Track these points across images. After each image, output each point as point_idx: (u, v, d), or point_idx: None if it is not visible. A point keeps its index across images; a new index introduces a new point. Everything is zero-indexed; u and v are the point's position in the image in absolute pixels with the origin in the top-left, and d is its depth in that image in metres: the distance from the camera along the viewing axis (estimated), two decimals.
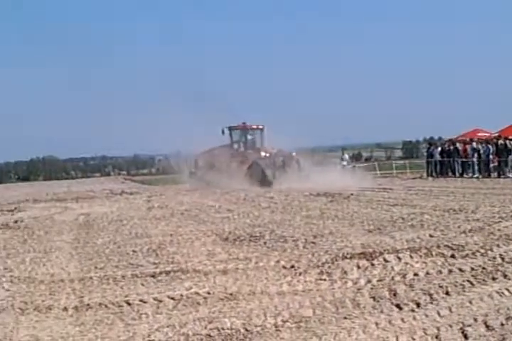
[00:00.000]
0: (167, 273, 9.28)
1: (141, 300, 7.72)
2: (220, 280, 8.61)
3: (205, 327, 6.41)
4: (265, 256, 10.27)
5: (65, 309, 7.59)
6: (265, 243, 11.66)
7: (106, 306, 7.61)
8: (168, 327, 6.55)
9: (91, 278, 9.31)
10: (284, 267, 9.24)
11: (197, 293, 7.87)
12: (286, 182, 31.05)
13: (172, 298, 7.74)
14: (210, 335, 6.17)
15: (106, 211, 21.33)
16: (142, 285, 8.66)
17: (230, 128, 35.57)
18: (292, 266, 9.21)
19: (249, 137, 35.64)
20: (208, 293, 7.85)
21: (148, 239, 13.03)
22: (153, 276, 9.13)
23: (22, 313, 7.55)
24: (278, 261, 9.67)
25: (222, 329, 6.31)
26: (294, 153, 34.30)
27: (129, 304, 7.62)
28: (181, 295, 7.81)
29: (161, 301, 7.66)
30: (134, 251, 11.56)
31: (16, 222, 18.42)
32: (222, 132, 35.08)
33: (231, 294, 7.77)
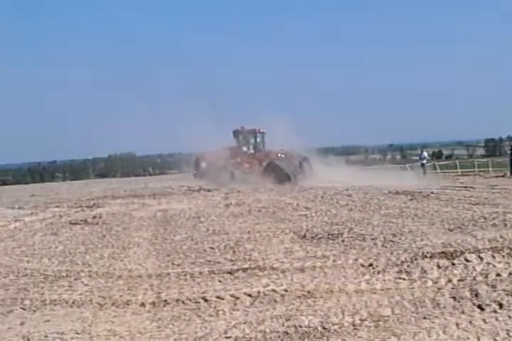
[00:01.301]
0: (244, 270, 9.36)
1: (218, 297, 7.82)
2: (298, 277, 8.64)
3: (283, 325, 6.46)
4: (343, 254, 10.25)
5: (143, 304, 7.74)
6: (343, 241, 11.62)
7: (183, 302, 7.74)
8: (245, 323, 6.62)
9: (168, 274, 9.46)
10: (362, 265, 9.21)
11: (274, 291, 7.92)
12: (303, 180, 33.46)
13: (249, 295, 7.81)
14: (287, 333, 6.21)
15: (184, 207, 21.56)
16: (219, 281, 8.76)
17: (239, 131, 37.18)
18: (371, 265, 9.17)
19: (258, 140, 37.26)
20: (285, 291, 7.89)
21: (226, 236, 13.14)
22: (230, 273, 9.22)
23: (100, 308, 7.74)
24: (356, 260, 9.64)
25: (300, 326, 6.34)
26: (305, 155, 36.66)
27: (206, 300, 7.73)
28: (258, 292, 7.87)
29: (238, 298, 7.74)
30: (211, 248, 11.68)
31: (94, 217, 18.80)
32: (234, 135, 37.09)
33: (308, 292, 7.80)
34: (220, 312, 7.20)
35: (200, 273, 9.40)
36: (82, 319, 7.27)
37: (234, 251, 11.20)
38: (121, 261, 10.97)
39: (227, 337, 6.23)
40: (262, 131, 37.03)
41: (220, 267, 9.75)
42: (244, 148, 36.65)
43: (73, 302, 8.03)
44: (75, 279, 9.51)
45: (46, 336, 6.61)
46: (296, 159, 36.12)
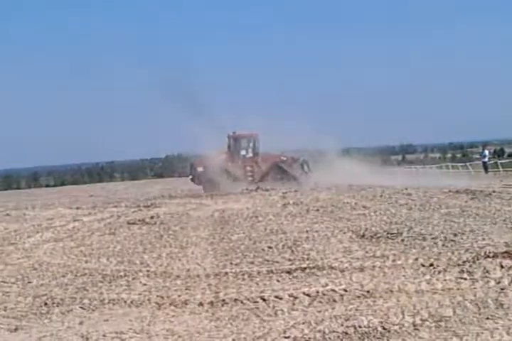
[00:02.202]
0: (303, 269, 9.35)
1: (276, 297, 7.82)
2: (357, 277, 8.60)
3: (342, 325, 6.43)
4: (403, 253, 10.16)
5: (201, 304, 7.79)
6: (403, 240, 11.52)
7: (241, 302, 7.75)
8: (303, 323, 6.61)
9: (226, 273, 9.50)
10: (422, 265, 9.11)
11: (333, 290, 7.89)
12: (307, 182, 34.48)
13: (308, 295, 7.79)
14: (346, 333, 6.17)
15: (241, 207, 21.61)
16: (278, 281, 8.76)
17: (236, 135, 37.64)
18: (431, 265, 9.07)
19: (256, 143, 37.68)
20: (345, 291, 7.85)
21: (284, 236, 13.13)
22: (288, 273, 9.21)
23: (158, 308, 7.81)
24: (416, 259, 9.54)
25: (359, 327, 6.31)
26: (302, 157, 37.68)
27: (264, 300, 7.73)
28: (317, 292, 7.85)
29: (296, 298, 7.73)
30: (269, 248, 11.68)
31: (152, 217, 18.96)
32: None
33: (368, 292, 7.75)
34: (279, 312, 7.20)
35: (259, 272, 9.42)
36: (140, 318, 7.34)
37: (292, 251, 11.18)
38: (179, 260, 11.05)
39: (285, 337, 6.22)
40: (257, 134, 37.79)
41: (279, 266, 9.75)
42: (243, 152, 37.23)
43: (131, 302, 8.12)
44: (133, 279, 9.62)
45: (105, 335, 6.69)
46: (297, 161, 37.32)
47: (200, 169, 35.73)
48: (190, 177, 36.83)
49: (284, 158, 37.19)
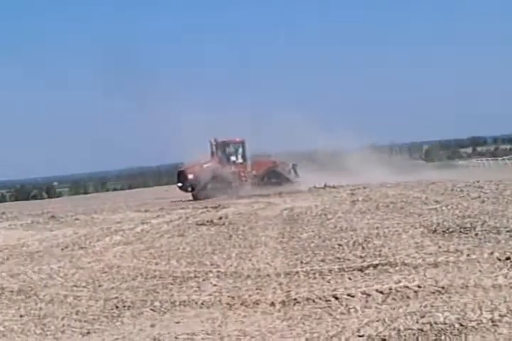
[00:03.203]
0: (374, 266, 9.26)
1: (349, 295, 7.75)
2: (431, 273, 8.47)
3: (417, 322, 6.32)
4: (477, 248, 9.98)
5: (272, 304, 7.76)
6: (476, 234, 11.32)
7: (313, 301, 7.71)
8: (377, 321, 6.53)
9: (297, 272, 9.46)
10: (498, 259, 8.93)
11: (406, 287, 7.78)
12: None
13: (381, 292, 7.70)
14: (422, 330, 6.07)
15: (310, 205, 21.57)
16: (349, 279, 8.69)
17: (225, 142, 37.95)
18: (508, 258, 8.88)
19: (245, 149, 38.12)
20: (418, 287, 7.74)
21: (354, 233, 13.04)
22: (360, 270, 9.14)
23: (230, 308, 7.81)
24: (492, 253, 9.36)
25: (435, 323, 6.19)
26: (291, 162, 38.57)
27: (336, 298, 7.67)
28: (390, 289, 7.76)
29: (369, 295, 7.65)
30: (339, 245, 11.61)
31: (220, 218, 19.05)
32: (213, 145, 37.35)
33: (443, 287, 7.62)
34: (352, 310, 7.13)
35: (330, 270, 9.36)
36: (212, 319, 7.35)
37: (363, 248, 11.10)
38: (249, 260, 11.05)
39: (359, 336, 6.15)
40: (244, 140, 38.12)
41: (350, 264, 9.68)
42: (233, 158, 37.65)
43: (202, 303, 8.14)
44: (204, 280, 9.65)
45: (177, 337, 6.72)
46: (288, 165, 38.19)
47: (191, 176, 35.87)
48: (180, 184, 36.85)
49: (277, 163, 37.97)
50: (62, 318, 7.99)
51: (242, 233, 15.08)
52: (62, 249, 14.84)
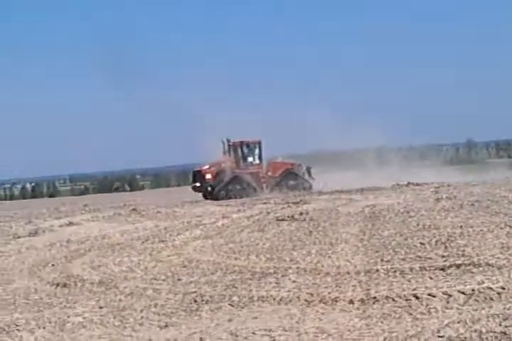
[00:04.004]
0: (457, 266, 9.14)
1: (429, 294, 7.67)
2: None
3: (500, 324, 6.22)
4: None
5: (351, 301, 7.74)
6: None
7: (393, 299, 7.65)
8: (459, 322, 6.44)
9: (377, 270, 9.41)
10: None
11: (490, 288, 7.65)
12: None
13: (463, 293, 7.60)
14: (505, 333, 5.96)
15: (392, 202, 21.40)
16: (430, 278, 8.60)
17: (243, 143, 37.31)
18: None
19: (261, 150, 37.46)
20: (502, 288, 7.60)
21: (437, 231, 12.88)
22: (442, 269, 9.03)
23: (308, 305, 7.82)
24: None
25: None
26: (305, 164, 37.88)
27: (417, 298, 7.60)
28: (473, 290, 7.64)
29: (450, 295, 7.55)
30: (421, 244, 11.49)
31: (301, 214, 19.03)
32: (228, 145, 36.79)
33: None
34: (432, 310, 7.06)
35: (411, 269, 9.28)
36: (289, 316, 7.37)
37: (446, 247, 10.95)
38: (329, 257, 11.03)
39: (439, 337, 6.08)
40: (261, 140, 37.53)
41: (432, 263, 9.57)
42: (250, 159, 37.07)
43: (281, 299, 8.16)
44: (283, 276, 9.68)
45: (254, 333, 6.76)
46: (302, 167, 37.50)
47: (208, 176, 35.56)
48: (198, 185, 36.24)
49: (294, 164, 37.49)
50: (141, 311, 8.13)
51: (323, 229, 15.06)
52: (143, 242, 15.09)
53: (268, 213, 20.83)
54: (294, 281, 9.22)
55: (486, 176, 35.28)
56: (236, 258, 11.68)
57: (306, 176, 37.08)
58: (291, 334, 6.62)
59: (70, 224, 21.08)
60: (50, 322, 7.85)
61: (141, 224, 19.95)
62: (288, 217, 18.42)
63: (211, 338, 6.70)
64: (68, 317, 8.08)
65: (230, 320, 7.39)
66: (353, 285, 8.58)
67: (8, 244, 16.77)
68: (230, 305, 8.14)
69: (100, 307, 8.52)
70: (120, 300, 8.91)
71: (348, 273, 9.47)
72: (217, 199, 33.51)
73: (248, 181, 35.45)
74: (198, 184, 36.04)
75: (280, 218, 18.37)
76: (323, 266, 10.25)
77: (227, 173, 35.51)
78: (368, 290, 8.21)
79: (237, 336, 6.69)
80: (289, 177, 36.46)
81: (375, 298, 7.79)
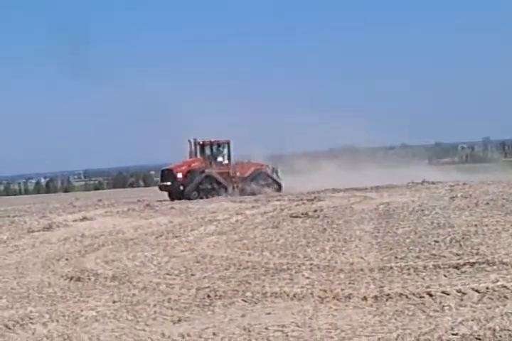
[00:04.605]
0: (471, 264, 9.13)
1: (443, 292, 7.68)
2: None
3: None
4: None
5: (365, 298, 7.75)
6: None
7: (406, 297, 7.67)
8: (472, 320, 6.45)
9: (391, 268, 9.41)
10: None
11: (504, 287, 7.66)
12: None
13: (477, 291, 7.60)
14: None
15: (406, 200, 21.32)
16: (445, 276, 8.60)
17: (212, 142, 36.83)
18: None
19: (230, 150, 37.12)
20: None
21: (451, 230, 12.85)
22: (456, 268, 9.02)
23: (321, 301, 7.84)
24: None
25: None
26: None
27: (430, 295, 7.61)
28: (487, 288, 7.64)
29: (464, 293, 7.56)
30: (436, 242, 11.48)
31: (315, 211, 19.02)
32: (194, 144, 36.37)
33: None
34: (446, 308, 7.06)
35: (425, 267, 9.28)
36: (302, 312, 7.40)
37: (460, 245, 10.93)
38: (343, 254, 11.04)
39: (453, 334, 6.08)
40: (230, 140, 37.21)
41: (446, 261, 9.57)
42: (220, 159, 36.61)
43: (294, 295, 8.19)
44: (296, 272, 9.70)
45: (267, 328, 6.79)
46: (269, 168, 37.50)
47: (180, 176, 34.90)
48: (167, 184, 35.48)
49: (263, 165, 37.38)
50: (154, 305, 8.17)
51: (337, 226, 15.05)
52: (157, 237, 15.14)
53: (282, 210, 20.82)
54: (308, 277, 9.24)
55: (502, 175, 35.19)
56: (250, 254, 11.71)
57: (275, 176, 37.04)
58: (304, 330, 6.65)
59: (84, 218, 21.14)
60: (63, 316, 7.92)
61: (155, 220, 20.00)
62: (302, 213, 18.40)
63: (224, 333, 6.73)
64: (81, 311, 8.14)
65: (243, 316, 7.42)
66: (366, 282, 8.60)
67: (22, 238, 16.86)
68: (243, 300, 8.17)
69: (113, 302, 8.58)
70: (133, 294, 8.96)
71: (361, 270, 9.48)
72: (188, 198, 32.84)
73: (219, 181, 35.07)
74: (168, 183, 35.26)
75: (294, 215, 18.35)
76: (336, 262, 10.27)
77: (199, 173, 35.03)
78: (382, 287, 8.22)
79: (250, 331, 6.72)
80: (259, 178, 36.32)
81: (388, 295, 7.81)
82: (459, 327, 6.25)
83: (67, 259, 12.64)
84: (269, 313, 7.47)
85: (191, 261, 11.47)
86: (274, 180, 36.58)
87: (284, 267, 10.16)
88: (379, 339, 6.15)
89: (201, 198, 32.69)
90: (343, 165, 40.78)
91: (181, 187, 34.58)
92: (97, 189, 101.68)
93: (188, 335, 6.77)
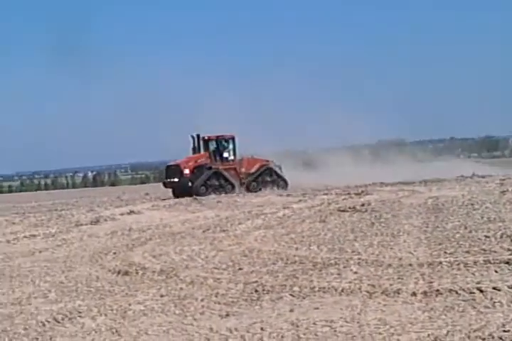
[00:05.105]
0: None
1: (494, 288, 7.60)
2: None
3: None
4: None
5: (414, 294, 7.71)
6: None
7: (456, 292, 7.60)
8: None
9: (440, 263, 9.34)
10: None
11: None
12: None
13: None
14: None
15: (456, 194, 21.12)
16: (496, 272, 8.51)
17: (217, 137, 35.96)
18: None
19: (235, 146, 36.37)
20: None
21: (502, 224, 12.70)
22: (507, 263, 8.93)
23: (370, 296, 7.82)
24: None
25: None
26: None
27: (481, 291, 7.53)
28: None
29: None
30: (486, 237, 11.35)
31: (363, 205, 18.96)
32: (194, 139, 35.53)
33: None
34: (497, 304, 6.99)
35: (475, 262, 9.19)
36: (351, 307, 7.38)
37: (511, 240, 10.81)
38: (391, 249, 10.99)
39: (504, 331, 6.02)
40: (234, 136, 36.50)
41: (497, 256, 9.46)
42: (226, 154, 35.65)
43: (342, 290, 8.17)
44: (344, 267, 9.68)
45: (315, 323, 6.79)
46: (275, 164, 36.62)
47: (187, 172, 34.14)
48: (174, 180, 34.67)
49: (269, 161, 36.62)
50: (202, 300, 8.22)
51: (385, 221, 14.99)
52: (204, 231, 15.23)
53: (329, 204, 20.78)
54: (356, 272, 9.22)
55: None
56: (297, 249, 11.72)
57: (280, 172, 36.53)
58: (353, 325, 6.64)
59: (131, 212, 21.36)
60: (111, 310, 8.02)
61: (202, 214, 20.13)
62: (350, 207, 18.36)
63: (272, 328, 6.74)
64: (129, 305, 8.23)
65: (291, 311, 7.42)
66: (415, 278, 8.54)
67: (70, 232, 17.10)
68: (291, 295, 8.17)
69: (161, 296, 8.65)
70: (181, 288, 9.03)
71: (410, 265, 9.43)
72: (197, 194, 31.98)
73: (227, 178, 34.46)
74: (176, 179, 34.50)
75: (342, 209, 18.31)
76: (385, 257, 10.22)
77: (204, 169, 34.36)
78: (431, 282, 8.17)
79: (298, 326, 6.72)
80: (265, 173, 35.81)
81: (438, 290, 7.75)
82: (511, 324, 6.19)
83: (114, 253, 12.78)
84: (317, 308, 7.47)
85: (238, 255, 11.52)
86: (279, 176, 36.00)
87: (332, 262, 10.14)
88: (428, 335, 6.10)
89: (209, 194, 31.89)
90: (384, 159, 40.51)
91: (189, 184, 34.01)
92: (143, 183, 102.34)
93: (236, 330, 6.79)
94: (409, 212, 16.58)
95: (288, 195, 26.58)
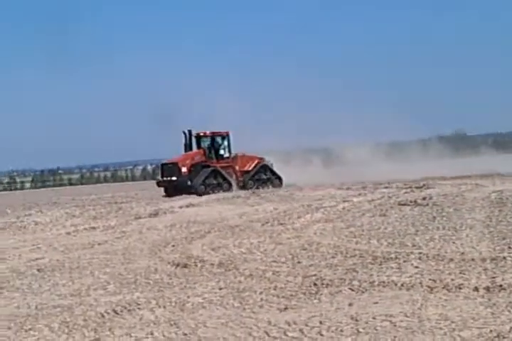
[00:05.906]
0: None
1: None
2: None
3: None
4: None
5: (476, 289, 7.63)
6: None
7: None
8: None
9: (504, 258, 9.24)
10: None
11: None
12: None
13: None
14: None
15: None
16: None
17: (213, 134, 35.14)
18: None
19: (230, 142, 35.59)
20: None
21: None
22: None
23: (430, 291, 7.75)
24: None
25: None
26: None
27: None
28: None
29: None
30: None
31: (424, 198, 18.83)
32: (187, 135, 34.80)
33: None
34: None
35: None
36: (411, 302, 7.33)
37: None
38: (453, 243, 10.89)
39: None
40: (229, 132, 35.70)
41: None
42: (221, 152, 34.90)
43: (402, 285, 8.13)
44: (405, 261, 9.62)
45: (374, 318, 6.76)
46: (268, 161, 36.01)
47: (184, 170, 33.25)
48: (174, 178, 33.56)
49: (263, 158, 35.92)
50: (261, 293, 8.25)
51: (447, 215, 14.85)
52: (263, 224, 15.27)
53: (390, 197, 20.68)
54: (416, 267, 9.16)
55: None
56: (357, 242, 11.68)
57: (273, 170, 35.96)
58: (413, 320, 6.59)
59: (190, 205, 21.56)
60: (170, 302, 8.09)
61: (261, 207, 20.19)
62: (410, 201, 18.26)
63: (331, 322, 6.73)
64: (188, 297, 8.30)
65: (350, 305, 7.40)
66: (477, 273, 8.46)
67: (129, 224, 17.32)
68: (350, 289, 8.15)
69: (220, 289, 8.70)
70: (240, 281, 9.07)
71: (472, 259, 9.33)
72: (196, 193, 31.44)
73: (225, 176, 33.74)
74: (173, 177, 33.52)
75: (402, 202, 18.22)
76: (446, 252, 10.14)
77: (201, 166, 33.64)
78: (494, 278, 8.08)
79: (357, 321, 6.70)
80: (261, 171, 35.23)
81: (501, 286, 7.66)
82: None
83: (173, 246, 12.90)
84: (377, 302, 7.44)
85: (297, 248, 11.53)
86: (274, 174, 35.54)
87: (392, 256, 10.10)
88: (491, 331, 6.03)
89: (208, 193, 31.30)
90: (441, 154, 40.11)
91: (188, 182, 33.16)
92: None
93: (295, 323, 6.80)
94: (472, 206, 16.41)
95: (348, 189, 26.50)
